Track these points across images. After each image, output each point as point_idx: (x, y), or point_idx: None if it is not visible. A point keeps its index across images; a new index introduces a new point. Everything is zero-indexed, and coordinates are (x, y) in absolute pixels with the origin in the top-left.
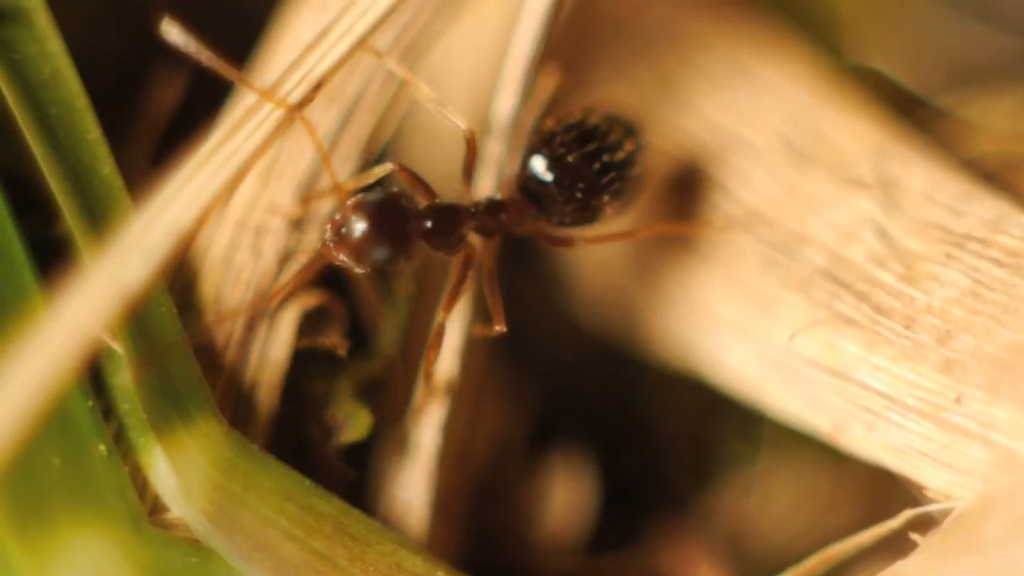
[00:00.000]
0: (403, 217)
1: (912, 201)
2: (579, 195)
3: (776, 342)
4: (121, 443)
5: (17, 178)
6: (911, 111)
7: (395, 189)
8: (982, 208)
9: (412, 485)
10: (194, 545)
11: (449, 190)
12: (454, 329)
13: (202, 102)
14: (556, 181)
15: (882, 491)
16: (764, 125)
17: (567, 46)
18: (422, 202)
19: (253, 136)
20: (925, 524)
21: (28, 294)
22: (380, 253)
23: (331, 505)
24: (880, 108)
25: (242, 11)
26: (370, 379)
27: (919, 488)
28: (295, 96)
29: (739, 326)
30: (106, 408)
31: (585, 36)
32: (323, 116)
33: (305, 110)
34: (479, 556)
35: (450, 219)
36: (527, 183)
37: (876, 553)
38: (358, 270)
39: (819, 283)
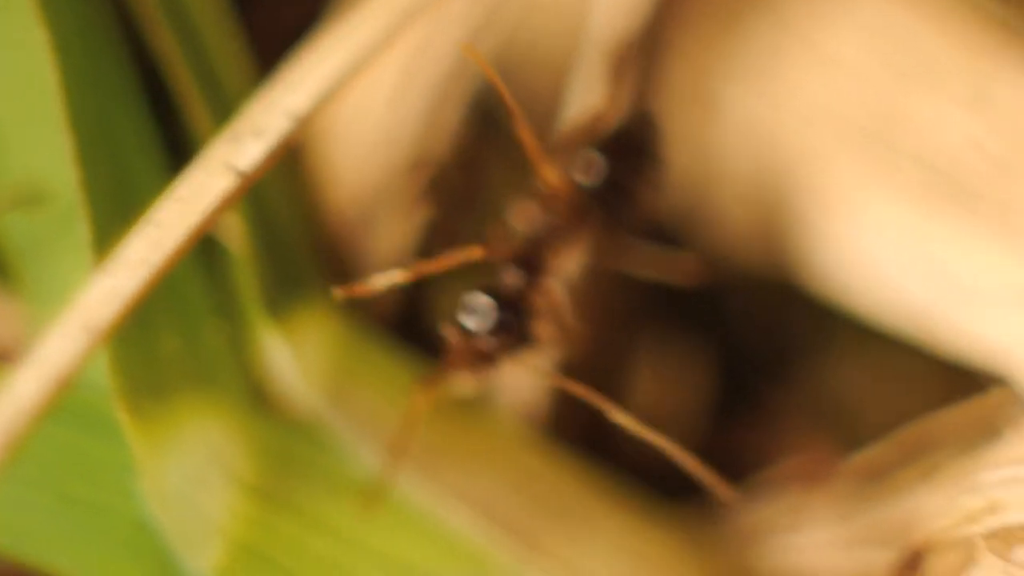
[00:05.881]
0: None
1: (1008, 115)
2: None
3: (862, 236)
4: (240, 325)
5: (147, 69)
6: (1010, 32)
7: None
8: None
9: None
10: (310, 426)
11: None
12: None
13: None
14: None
15: (968, 379)
16: (862, 42)
17: None
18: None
19: (377, 27)
20: (1017, 405)
21: (151, 180)
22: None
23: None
24: (979, 28)
25: None
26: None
27: (1009, 375)
28: None
29: (823, 221)
30: (226, 291)
31: None
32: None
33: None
34: (595, 436)
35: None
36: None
37: (963, 430)
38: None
39: (905, 173)
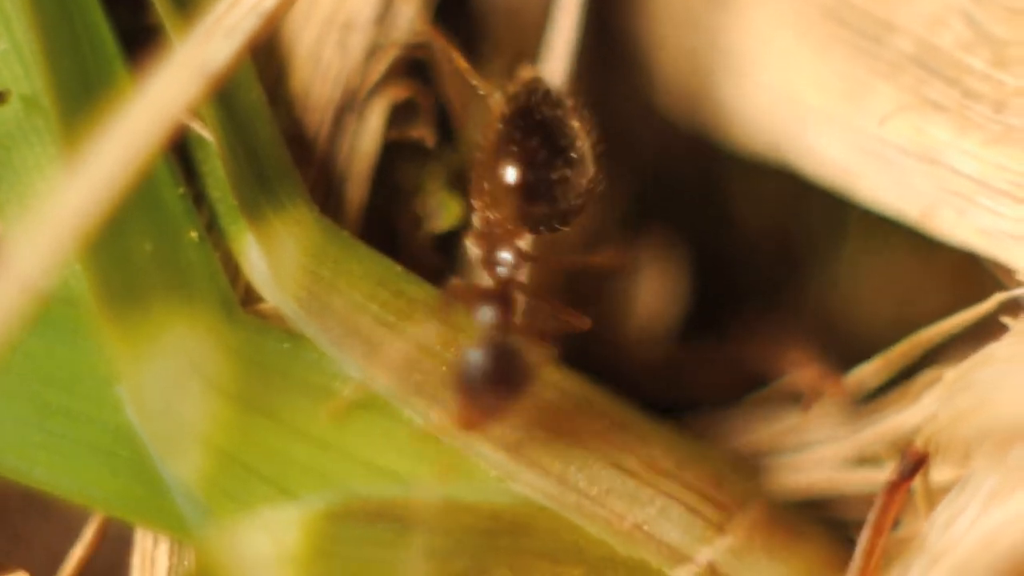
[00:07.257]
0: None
1: None
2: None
3: (865, 128)
4: (213, 231)
5: None
6: None
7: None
8: None
9: None
10: (286, 331)
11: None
12: None
13: None
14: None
15: (970, 278)
16: None
17: None
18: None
19: None
20: (1016, 308)
21: (118, 80)
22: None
23: (423, 291)
24: None
25: None
26: (459, 169)
27: (1008, 272)
28: None
29: (827, 113)
30: (198, 196)
31: None
32: None
33: None
34: (571, 345)
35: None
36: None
37: (966, 339)
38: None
39: (907, 69)
